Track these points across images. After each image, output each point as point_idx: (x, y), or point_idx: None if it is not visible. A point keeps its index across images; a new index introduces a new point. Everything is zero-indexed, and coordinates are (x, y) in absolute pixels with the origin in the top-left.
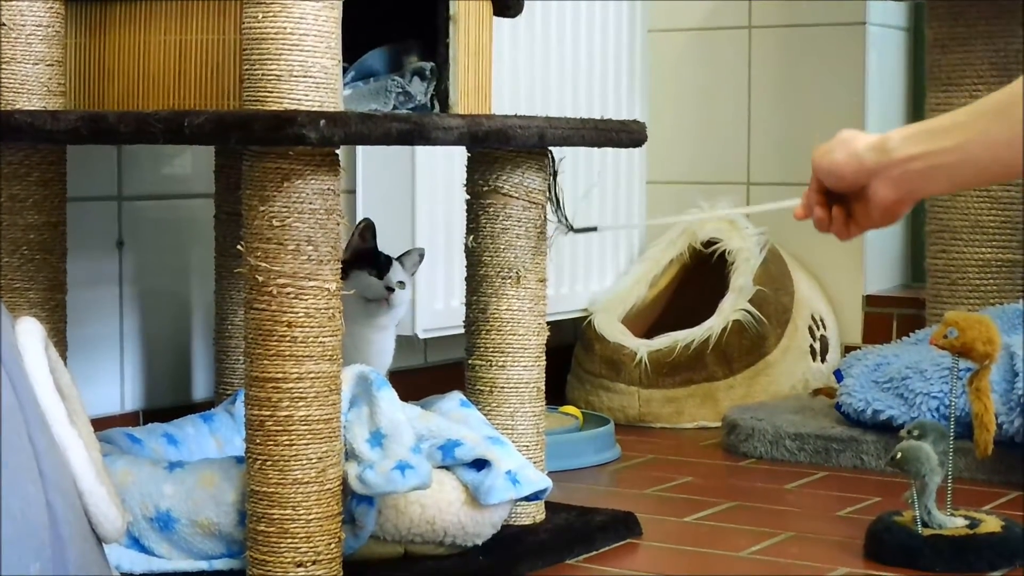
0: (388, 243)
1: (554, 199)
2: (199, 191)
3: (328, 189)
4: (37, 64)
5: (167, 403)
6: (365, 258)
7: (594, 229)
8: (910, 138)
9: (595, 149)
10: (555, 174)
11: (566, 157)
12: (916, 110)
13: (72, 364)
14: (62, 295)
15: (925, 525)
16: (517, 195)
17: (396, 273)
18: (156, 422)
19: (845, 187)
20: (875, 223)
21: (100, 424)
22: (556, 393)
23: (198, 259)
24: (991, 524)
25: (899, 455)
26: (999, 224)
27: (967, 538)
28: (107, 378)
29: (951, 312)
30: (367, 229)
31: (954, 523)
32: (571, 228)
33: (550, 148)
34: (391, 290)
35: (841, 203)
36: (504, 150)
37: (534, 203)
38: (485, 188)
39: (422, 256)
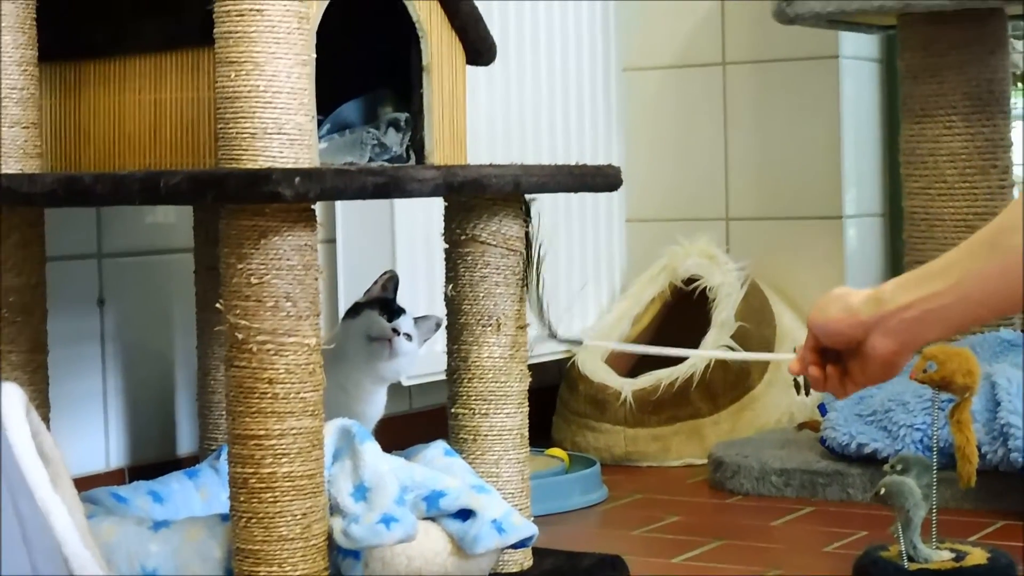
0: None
1: (537, 303)
2: (180, 245)
3: (305, 245)
4: (12, 127)
5: (152, 459)
6: (381, 304)
7: (579, 343)
8: (903, 286)
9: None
10: (539, 271)
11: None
12: (891, 141)
13: (55, 423)
14: (43, 356)
15: (911, 559)
16: (495, 243)
17: (406, 323)
18: (141, 479)
19: (842, 343)
20: (874, 378)
21: (85, 482)
22: (542, 434)
23: (180, 313)
24: (977, 556)
25: (883, 490)
26: None
27: (953, 571)
28: (91, 436)
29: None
30: (390, 280)
31: (940, 556)
32: (554, 336)
33: (536, 246)
34: (396, 332)
35: (836, 361)
36: (480, 198)
37: (512, 250)
38: (463, 237)
39: (439, 325)
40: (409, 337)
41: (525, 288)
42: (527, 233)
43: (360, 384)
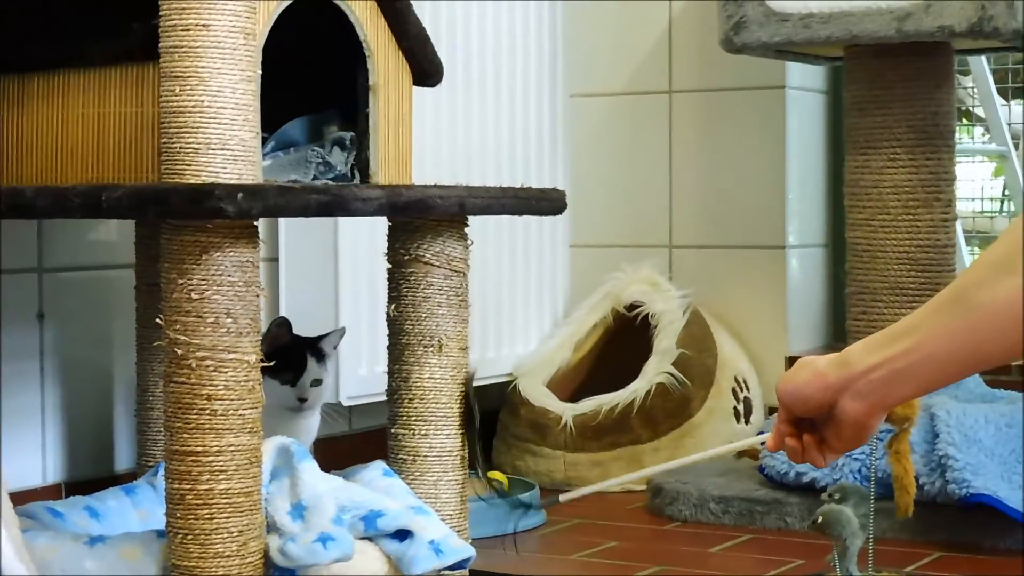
0: (311, 309)
1: (478, 459)
2: (120, 261)
3: (247, 261)
4: None
5: (89, 475)
6: (280, 355)
7: (555, 502)
8: (869, 347)
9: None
10: (476, 427)
11: (489, 223)
12: (835, 172)
13: None
14: None
15: None
16: (438, 263)
17: (311, 372)
18: (78, 494)
19: (813, 410)
20: (849, 443)
21: (22, 497)
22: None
23: (120, 330)
24: None
25: (820, 519)
26: (918, 286)
27: None
28: (28, 450)
29: None
30: (282, 326)
31: None
32: (511, 498)
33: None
34: (303, 400)
35: (812, 430)
36: (425, 219)
37: (455, 271)
38: (406, 257)
39: (342, 334)
40: (319, 381)
41: (471, 456)
42: (467, 395)
43: (285, 416)
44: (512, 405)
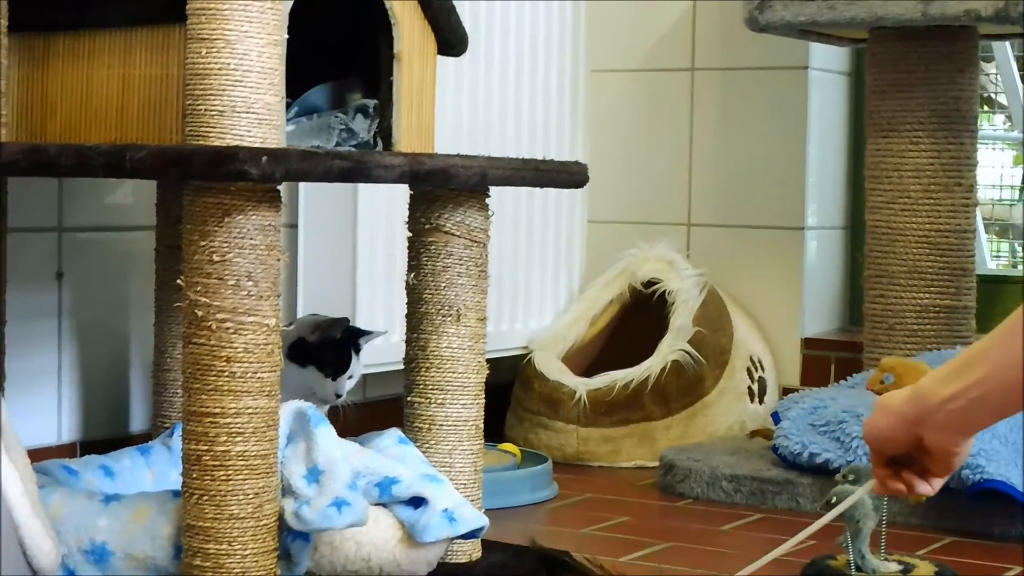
0: (328, 276)
1: None
2: (140, 223)
3: (269, 225)
4: None
5: (104, 435)
6: (329, 346)
7: None
8: (942, 378)
9: (536, 189)
10: None
11: (507, 196)
12: (856, 154)
13: (10, 395)
14: (1, 327)
15: (859, 569)
16: (459, 233)
17: (352, 368)
18: (93, 454)
19: (901, 447)
20: (949, 468)
21: (37, 455)
22: (495, 431)
23: (137, 291)
24: (924, 569)
25: (834, 499)
26: (937, 270)
27: None
28: (44, 409)
29: (888, 358)
30: (339, 325)
31: (887, 568)
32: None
33: None
34: (339, 396)
35: (909, 463)
36: (446, 188)
37: (475, 242)
38: (427, 226)
39: (380, 335)
40: (352, 376)
41: None
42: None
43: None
44: (526, 379)
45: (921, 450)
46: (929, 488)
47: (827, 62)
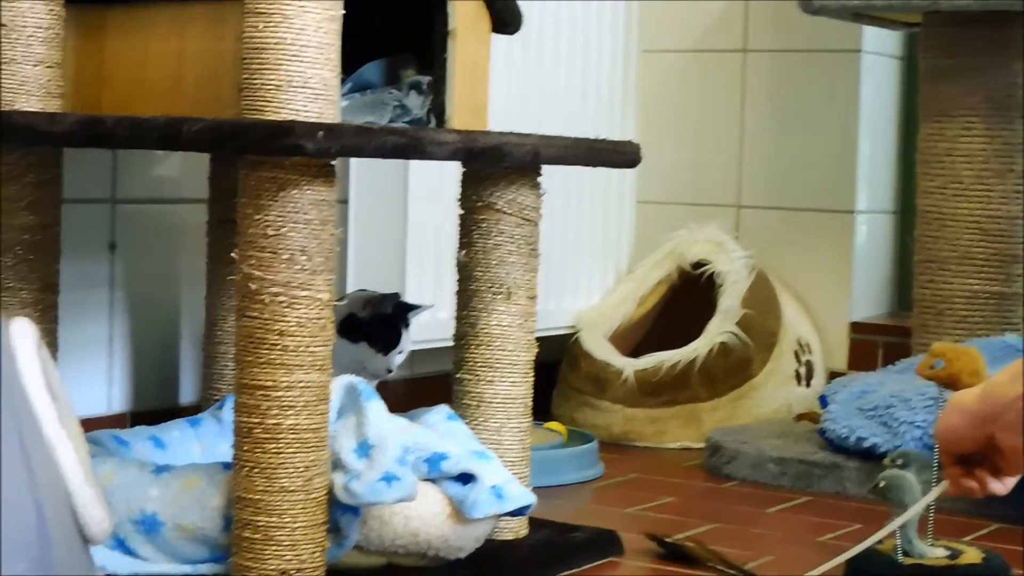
0: (378, 253)
1: None
2: (191, 196)
3: (323, 200)
4: (37, 66)
5: (154, 406)
6: (380, 322)
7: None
8: (1013, 378)
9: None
10: None
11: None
12: (908, 139)
13: (61, 365)
14: (54, 296)
15: (906, 554)
16: (510, 212)
17: (403, 343)
18: (143, 424)
19: (972, 446)
20: (1018, 467)
21: (87, 425)
22: (541, 409)
23: (188, 264)
24: (971, 555)
25: (882, 484)
26: (987, 256)
27: (947, 569)
28: (95, 379)
29: (938, 343)
30: (390, 300)
31: (935, 553)
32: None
33: None
34: (390, 371)
35: (981, 462)
36: (498, 167)
37: (527, 220)
38: (479, 204)
39: (428, 309)
40: (402, 352)
41: None
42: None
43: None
44: (573, 357)
45: (993, 448)
46: (1002, 487)
47: (880, 46)
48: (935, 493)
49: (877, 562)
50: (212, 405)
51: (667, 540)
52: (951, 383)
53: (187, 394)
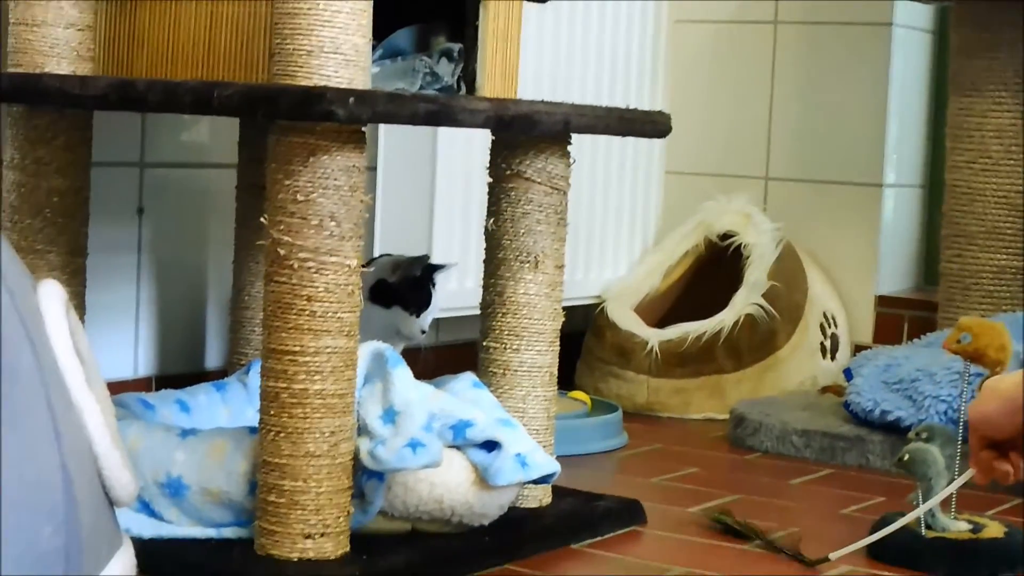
0: (406, 221)
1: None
2: (220, 161)
3: (353, 166)
4: (68, 28)
5: (180, 370)
6: (411, 285)
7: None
8: None
9: (615, 138)
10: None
11: (586, 145)
12: (938, 113)
13: (88, 328)
14: (82, 259)
15: (929, 527)
16: (540, 180)
17: (433, 303)
18: (168, 389)
19: (1008, 432)
20: None
21: (113, 388)
22: (565, 379)
23: (216, 229)
24: (994, 529)
25: (906, 457)
26: (1015, 231)
27: (969, 542)
28: (122, 343)
29: (965, 317)
30: (419, 263)
31: (957, 527)
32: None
33: None
34: (424, 332)
35: (1013, 448)
36: (528, 135)
37: (556, 189)
38: (508, 172)
39: (452, 266)
40: (431, 311)
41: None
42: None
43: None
44: (598, 328)
45: None
46: None
47: (912, 19)
48: (963, 479)
49: (899, 534)
50: (238, 370)
51: (727, 520)
52: (977, 357)
53: (213, 359)
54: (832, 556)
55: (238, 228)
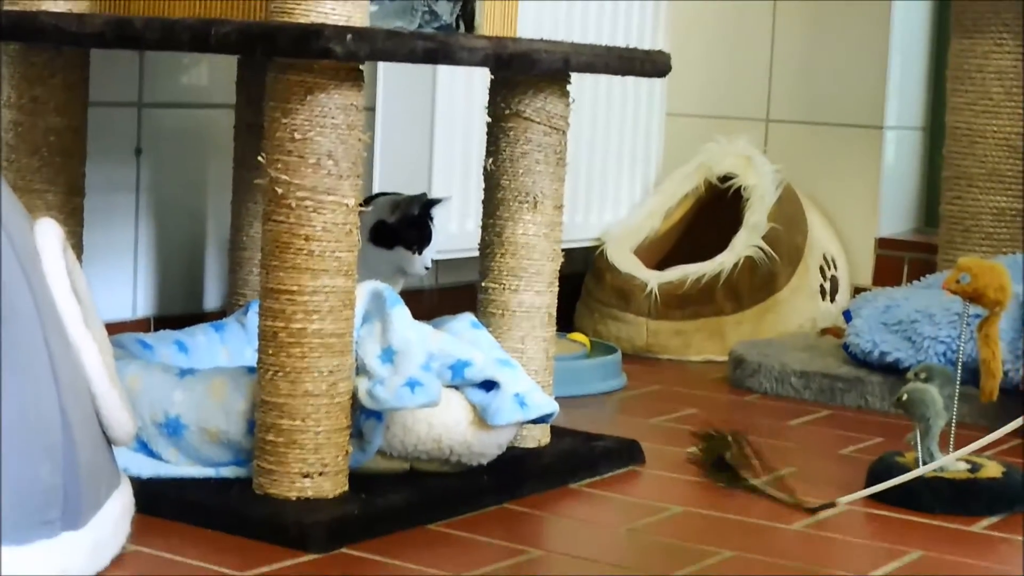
0: (405, 161)
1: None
2: (218, 101)
3: (351, 104)
4: None
5: (178, 311)
6: (411, 222)
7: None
8: None
9: (616, 78)
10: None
11: (586, 86)
12: (939, 55)
13: (86, 269)
14: (80, 199)
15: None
16: (539, 120)
17: (433, 239)
18: (167, 329)
19: None
20: None
21: (111, 329)
22: (564, 321)
23: (214, 169)
24: (992, 469)
25: (905, 397)
26: (1016, 173)
27: (967, 482)
28: (120, 284)
29: (964, 257)
30: (418, 202)
31: (956, 467)
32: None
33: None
34: (427, 268)
35: None
36: (528, 74)
37: (555, 129)
38: (507, 112)
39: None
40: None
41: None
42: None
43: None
44: (598, 270)
45: None
46: None
47: None
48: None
49: (897, 473)
50: (237, 310)
51: (716, 435)
52: (977, 297)
53: (212, 300)
54: (840, 501)
55: (236, 169)
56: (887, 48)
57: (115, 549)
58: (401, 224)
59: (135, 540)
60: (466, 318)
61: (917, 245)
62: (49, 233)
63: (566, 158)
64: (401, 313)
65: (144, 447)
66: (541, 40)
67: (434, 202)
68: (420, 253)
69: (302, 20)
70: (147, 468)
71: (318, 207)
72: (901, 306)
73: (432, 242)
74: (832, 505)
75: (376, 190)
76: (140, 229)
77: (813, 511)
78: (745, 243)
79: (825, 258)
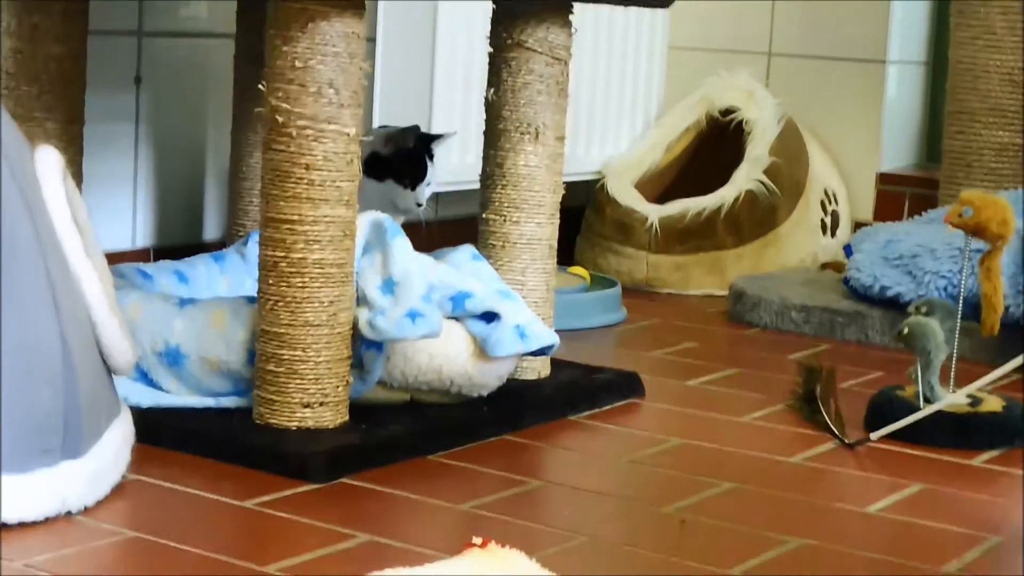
0: (405, 93)
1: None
2: (219, 31)
3: (352, 32)
4: None
5: (178, 241)
6: (404, 157)
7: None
8: None
9: (619, 10)
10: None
11: (588, 19)
12: None
13: (86, 198)
14: (79, 127)
15: (927, 401)
16: (540, 50)
17: (430, 176)
18: (167, 260)
19: None
20: None
21: (111, 259)
22: (564, 254)
23: (214, 100)
24: (992, 403)
25: (906, 330)
26: (1018, 108)
27: (968, 416)
28: (120, 214)
29: (967, 191)
30: (411, 133)
31: (956, 400)
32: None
33: None
34: (420, 205)
35: None
36: (530, 4)
37: (557, 59)
38: (509, 42)
39: (450, 136)
40: (428, 183)
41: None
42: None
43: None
44: (598, 204)
45: None
46: None
47: None
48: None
49: (898, 407)
50: (237, 241)
51: (816, 369)
52: (978, 231)
53: (211, 230)
54: (873, 436)
55: (236, 99)
56: None
57: (115, 478)
58: (394, 157)
59: (135, 469)
60: (467, 250)
61: (919, 180)
62: (49, 161)
63: (568, 89)
64: (402, 244)
65: (144, 376)
66: None
67: (435, 137)
68: (413, 188)
69: None
70: (147, 398)
71: (319, 136)
72: (902, 241)
73: (428, 178)
74: (867, 440)
75: (377, 123)
76: (140, 159)
77: (851, 446)
78: (746, 177)
79: (826, 192)
